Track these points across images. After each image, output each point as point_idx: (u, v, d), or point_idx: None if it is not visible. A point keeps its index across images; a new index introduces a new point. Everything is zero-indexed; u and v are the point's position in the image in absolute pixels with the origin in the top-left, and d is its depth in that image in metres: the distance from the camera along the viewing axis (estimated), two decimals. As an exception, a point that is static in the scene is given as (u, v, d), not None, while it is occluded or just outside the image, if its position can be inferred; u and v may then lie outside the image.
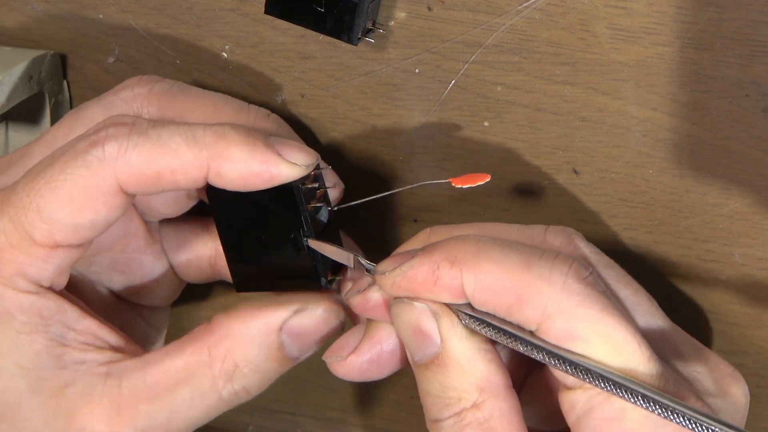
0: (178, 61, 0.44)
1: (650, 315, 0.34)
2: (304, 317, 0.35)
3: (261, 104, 0.44)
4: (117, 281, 0.40)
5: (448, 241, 0.32)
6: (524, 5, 0.38)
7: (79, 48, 0.45)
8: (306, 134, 0.44)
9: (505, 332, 0.31)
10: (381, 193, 0.44)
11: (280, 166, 0.33)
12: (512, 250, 0.31)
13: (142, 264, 0.40)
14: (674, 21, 0.36)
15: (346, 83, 0.42)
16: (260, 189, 0.34)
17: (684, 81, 0.37)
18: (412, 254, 0.33)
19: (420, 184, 0.37)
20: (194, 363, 0.34)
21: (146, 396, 0.34)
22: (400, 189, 0.36)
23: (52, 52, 0.45)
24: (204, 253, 0.41)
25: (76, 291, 0.37)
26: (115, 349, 0.35)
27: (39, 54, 0.44)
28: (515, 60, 0.39)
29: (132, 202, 0.35)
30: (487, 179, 0.35)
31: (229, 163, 0.33)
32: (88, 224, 0.33)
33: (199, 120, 0.37)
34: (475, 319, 0.32)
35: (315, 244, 0.35)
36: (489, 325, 0.31)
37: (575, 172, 0.41)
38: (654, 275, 0.42)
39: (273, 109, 0.44)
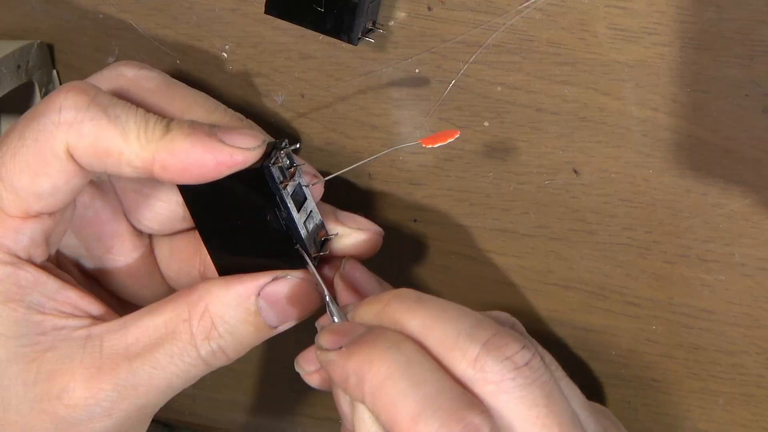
0: (178, 61, 0.44)
1: None
2: (281, 284, 0.35)
3: (261, 104, 0.44)
4: (105, 279, 0.40)
5: (367, 352, 0.31)
6: (524, 5, 0.38)
7: (80, 48, 0.45)
8: (306, 134, 0.44)
9: None
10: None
11: (224, 151, 0.33)
12: (414, 391, 0.30)
13: (128, 266, 0.40)
14: (674, 21, 0.36)
15: (346, 83, 0.42)
16: (215, 179, 0.33)
17: (684, 81, 0.37)
18: (345, 341, 0.32)
19: (391, 149, 0.37)
20: (174, 319, 0.34)
21: (126, 354, 0.34)
22: (371, 158, 0.36)
23: (38, 41, 0.45)
24: (194, 265, 0.40)
25: (65, 268, 0.37)
26: (96, 318, 0.35)
27: (26, 43, 0.44)
28: (515, 60, 0.39)
29: (89, 177, 0.34)
30: (457, 135, 0.35)
31: (172, 156, 0.33)
32: (49, 190, 0.33)
33: (173, 114, 0.37)
34: None
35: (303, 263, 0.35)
36: None
37: (575, 172, 0.41)
38: (654, 275, 0.42)
39: (273, 109, 0.44)
